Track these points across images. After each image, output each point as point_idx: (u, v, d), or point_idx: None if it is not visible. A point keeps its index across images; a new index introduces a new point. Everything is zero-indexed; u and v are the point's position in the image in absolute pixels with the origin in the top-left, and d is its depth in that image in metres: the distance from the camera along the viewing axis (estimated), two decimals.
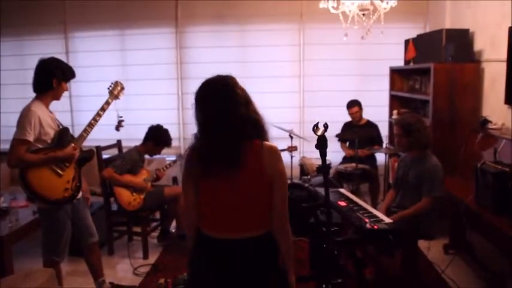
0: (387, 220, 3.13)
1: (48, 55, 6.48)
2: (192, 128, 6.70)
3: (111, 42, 6.38)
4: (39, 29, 6.40)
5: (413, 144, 3.47)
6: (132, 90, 6.36)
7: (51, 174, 3.04)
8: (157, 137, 4.44)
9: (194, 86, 6.96)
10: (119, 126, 3.55)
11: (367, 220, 3.10)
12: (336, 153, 5.78)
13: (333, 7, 3.66)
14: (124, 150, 4.72)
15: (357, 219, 3.17)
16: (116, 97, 3.42)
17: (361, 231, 3.09)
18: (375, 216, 3.22)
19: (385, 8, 3.61)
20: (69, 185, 3.11)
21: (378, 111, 5.85)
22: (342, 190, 3.92)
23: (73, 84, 6.39)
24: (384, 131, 5.77)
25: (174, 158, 4.87)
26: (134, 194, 4.23)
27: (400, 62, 5.61)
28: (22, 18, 6.36)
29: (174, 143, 5.52)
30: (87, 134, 3.26)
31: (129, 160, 4.27)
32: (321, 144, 2.10)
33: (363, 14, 3.59)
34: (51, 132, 3.08)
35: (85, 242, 3.38)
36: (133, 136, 6.33)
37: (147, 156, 4.58)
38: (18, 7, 6.31)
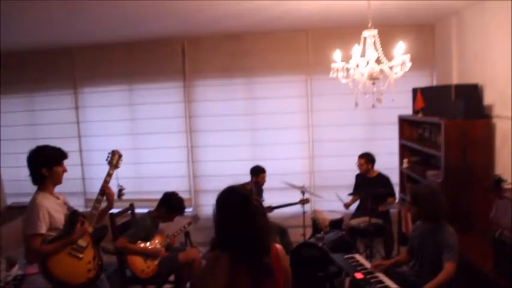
0: None
1: (58, 110, 6.61)
2: (203, 181, 6.68)
3: (120, 97, 6.46)
4: (49, 85, 6.50)
5: (422, 215, 3.47)
6: (141, 144, 6.46)
7: (72, 259, 3.04)
8: (170, 204, 4.45)
9: (203, 139, 7.04)
10: (120, 195, 3.59)
11: None
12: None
13: (343, 76, 3.68)
14: (136, 208, 4.73)
15: None
16: (116, 167, 3.47)
17: None
18: None
19: (395, 74, 3.61)
20: (91, 265, 3.12)
21: (389, 160, 5.82)
22: (357, 256, 3.87)
23: (83, 138, 6.51)
24: (395, 179, 5.74)
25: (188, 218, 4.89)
26: (147, 261, 4.21)
27: (408, 110, 5.61)
28: (33, 75, 6.48)
29: (185, 196, 5.52)
30: (97, 211, 3.28)
31: (142, 228, 4.26)
32: None
33: (373, 83, 3.60)
34: (62, 218, 3.10)
35: None
36: (144, 189, 6.39)
37: None
38: (28, 64, 6.44)
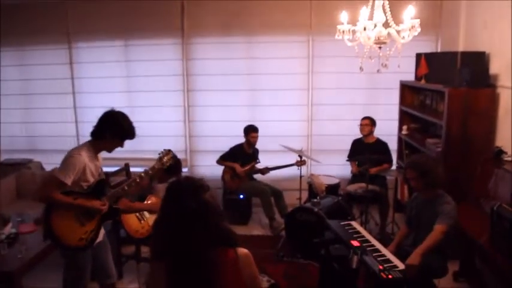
0: (401, 266, 3.10)
1: (52, 66, 6.42)
2: (199, 141, 6.63)
3: (115, 53, 6.26)
4: (42, 39, 6.28)
5: (430, 184, 3.42)
6: (137, 102, 6.34)
7: (75, 221, 3.03)
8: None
9: (201, 98, 6.87)
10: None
11: (381, 267, 3.06)
12: (344, 167, 5.75)
13: (348, 39, 3.55)
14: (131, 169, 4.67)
15: (371, 264, 3.13)
16: (163, 165, 3.36)
17: (375, 279, 3.06)
18: (388, 261, 3.19)
19: (403, 38, 3.47)
20: (86, 235, 3.08)
21: (388, 125, 5.77)
22: (354, 223, 3.86)
23: (77, 95, 6.35)
24: (393, 145, 5.69)
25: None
26: (142, 221, 4.19)
27: (410, 76, 5.49)
28: (24, 28, 6.24)
29: (181, 156, 5.47)
30: (123, 192, 3.23)
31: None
32: None
33: (379, 47, 3.47)
34: (91, 180, 3.07)
35: (102, 282, 3.40)
36: (138, 148, 6.29)
37: None
38: (19, 16, 6.18)
